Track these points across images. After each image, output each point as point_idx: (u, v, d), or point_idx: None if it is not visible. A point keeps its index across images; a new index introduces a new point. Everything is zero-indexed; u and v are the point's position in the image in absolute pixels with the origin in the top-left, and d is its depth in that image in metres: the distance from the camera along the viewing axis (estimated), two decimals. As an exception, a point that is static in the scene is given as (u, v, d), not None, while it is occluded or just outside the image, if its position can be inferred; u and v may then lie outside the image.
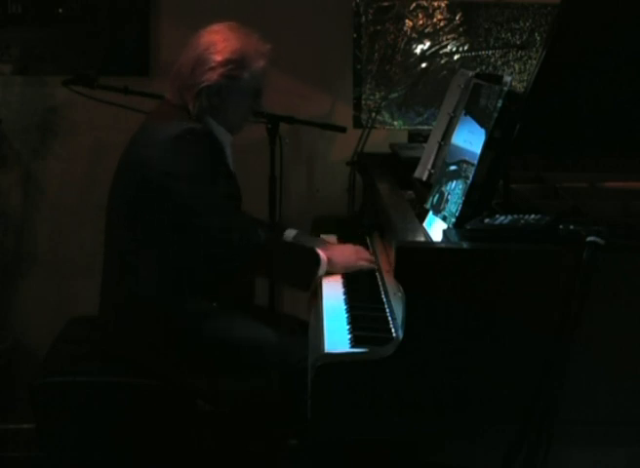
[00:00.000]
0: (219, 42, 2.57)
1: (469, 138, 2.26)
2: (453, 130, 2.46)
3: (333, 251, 2.69)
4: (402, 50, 3.61)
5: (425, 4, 3.58)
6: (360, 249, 2.75)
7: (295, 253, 2.69)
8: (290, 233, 2.91)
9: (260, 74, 2.62)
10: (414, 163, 2.78)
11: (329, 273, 2.63)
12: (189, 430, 2.61)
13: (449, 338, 1.95)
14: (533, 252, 1.96)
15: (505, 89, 2.17)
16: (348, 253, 2.69)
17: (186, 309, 2.52)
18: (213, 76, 2.54)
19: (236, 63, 2.56)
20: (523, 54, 3.62)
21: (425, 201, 2.41)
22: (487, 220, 2.05)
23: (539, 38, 3.60)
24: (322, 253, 2.63)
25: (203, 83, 2.55)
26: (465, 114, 2.36)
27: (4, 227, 3.63)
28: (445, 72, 3.59)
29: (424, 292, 1.94)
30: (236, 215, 2.55)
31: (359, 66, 3.62)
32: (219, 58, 2.55)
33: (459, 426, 2.00)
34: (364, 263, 2.66)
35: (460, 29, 3.60)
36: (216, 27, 2.62)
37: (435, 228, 2.28)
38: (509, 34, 3.62)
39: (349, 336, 2.17)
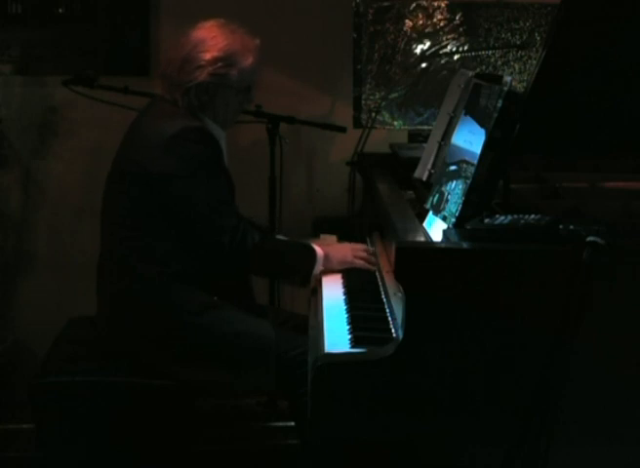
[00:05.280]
0: (207, 40, 2.57)
1: (469, 138, 2.26)
2: (453, 130, 2.46)
3: (330, 247, 2.71)
4: (402, 50, 3.61)
5: (425, 4, 3.58)
6: (358, 247, 2.75)
7: (291, 249, 2.70)
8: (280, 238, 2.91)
9: (250, 71, 2.61)
10: (414, 163, 2.77)
11: (325, 270, 2.64)
12: (189, 430, 2.61)
13: (449, 338, 1.95)
14: (533, 252, 1.96)
15: (505, 89, 2.17)
16: (345, 251, 2.70)
17: (184, 304, 2.52)
18: (201, 75, 2.55)
19: (224, 61, 2.56)
20: (523, 54, 3.62)
21: (425, 201, 2.41)
22: (487, 220, 2.05)
23: (539, 38, 3.60)
24: (318, 249, 2.64)
25: (192, 81, 2.55)
26: (465, 114, 2.36)
27: (4, 227, 3.63)
28: (445, 72, 3.59)
29: (424, 292, 1.94)
30: (231, 217, 2.54)
31: (359, 66, 3.62)
32: (207, 56, 2.55)
33: (458, 426, 2.00)
34: (360, 262, 2.66)
35: (460, 29, 3.60)
36: (204, 24, 2.62)
37: (435, 228, 2.28)
38: (509, 34, 3.62)
39: (349, 337, 2.17)
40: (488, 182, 2.18)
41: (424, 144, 2.82)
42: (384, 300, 2.41)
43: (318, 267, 2.63)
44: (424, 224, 2.37)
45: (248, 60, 2.60)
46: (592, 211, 2.25)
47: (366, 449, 2.04)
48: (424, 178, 2.67)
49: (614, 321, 1.97)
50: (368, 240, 2.96)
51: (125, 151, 2.64)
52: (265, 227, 3.12)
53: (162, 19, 3.52)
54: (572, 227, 1.95)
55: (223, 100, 2.62)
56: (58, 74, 3.35)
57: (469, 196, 2.16)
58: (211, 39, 2.57)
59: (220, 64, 2.56)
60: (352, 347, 2.11)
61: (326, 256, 2.64)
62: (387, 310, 2.34)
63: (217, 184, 2.55)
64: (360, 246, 2.78)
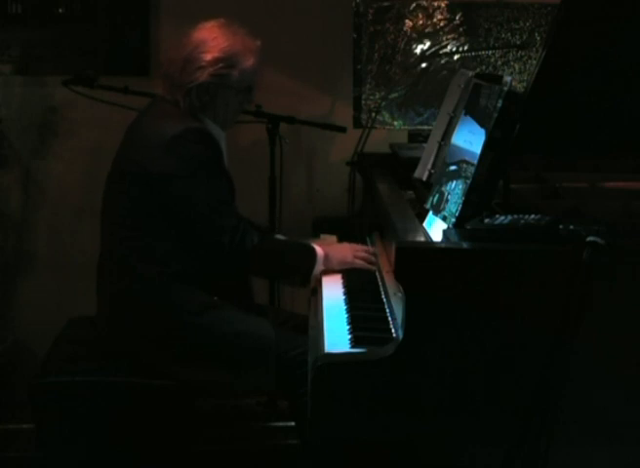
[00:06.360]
0: (208, 40, 2.58)
1: (469, 138, 2.26)
2: (453, 130, 2.46)
3: (330, 247, 2.71)
4: (402, 50, 3.61)
5: (425, 4, 3.58)
6: (358, 247, 2.75)
7: (291, 249, 2.70)
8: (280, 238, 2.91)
9: (251, 71, 2.63)
10: (414, 163, 2.77)
11: (325, 270, 2.64)
12: (189, 430, 2.61)
13: (449, 338, 1.95)
14: (533, 252, 1.96)
15: (505, 89, 2.17)
16: (345, 251, 2.70)
17: (184, 304, 2.52)
18: (202, 75, 2.56)
19: (225, 62, 2.57)
20: (523, 54, 3.62)
21: (425, 201, 2.41)
22: (487, 220, 2.06)
23: (539, 38, 3.60)
24: (318, 249, 2.64)
25: (193, 82, 2.56)
26: (465, 114, 2.36)
27: (4, 227, 3.63)
28: (445, 72, 3.59)
29: (424, 293, 1.94)
30: (230, 217, 2.55)
31: (359, 66, 3.62)
32: (208, 56, 2.56)
33: (458, 426, 2.00)
34: (360, 263, 2.66)
35: (460, 29, 3.60)
36: (205, 25, 2.63)
37: (435, 228, 2.28)
38: (509, 34, 3.62)
39: (349, 337, 2.17)
40: (488, 182, 2.18)
41: (424, 144, 2.82)
42: (384, 300, 2.41)
43: (318, 267, 2.63)
44: (424, 224, 2.37)
45: (249, 61, 2.61)
46: (592, 211, 2.25)
47: (366, 449, 2.04)
48: (424, 178, 2.67)
49: (614, 321, 1.97)
50: (368, 240, 2.96)
51: (125, 151, 2.64)
52: (265, 227, 3.12)
53: (162, 19, 3.53)
54: (572, 227, 1.95)
55: (224, 101, 2.62)
56: (58, 74, 3.35)
57: (469, 196, 2.16)
58: (212, 40, 2.58)
59: (221, 65, 2.57)
60: (352, 347, 2.11)
61: (326, 256, 2.64)
62: (387, 310, 2.34)
63: (217, 184, 2.56)
64: (360, 246, 2.78)
